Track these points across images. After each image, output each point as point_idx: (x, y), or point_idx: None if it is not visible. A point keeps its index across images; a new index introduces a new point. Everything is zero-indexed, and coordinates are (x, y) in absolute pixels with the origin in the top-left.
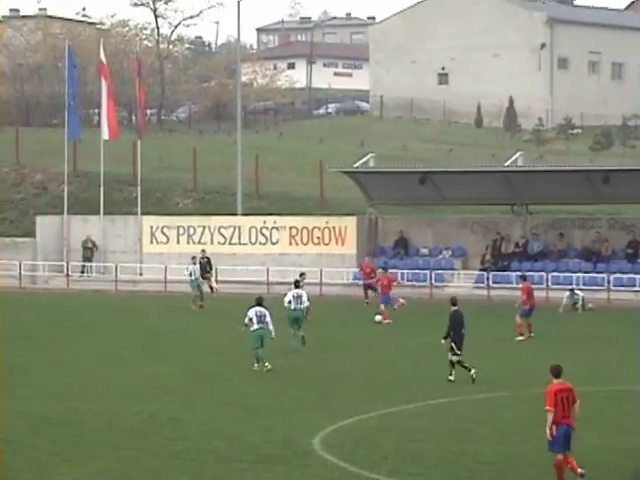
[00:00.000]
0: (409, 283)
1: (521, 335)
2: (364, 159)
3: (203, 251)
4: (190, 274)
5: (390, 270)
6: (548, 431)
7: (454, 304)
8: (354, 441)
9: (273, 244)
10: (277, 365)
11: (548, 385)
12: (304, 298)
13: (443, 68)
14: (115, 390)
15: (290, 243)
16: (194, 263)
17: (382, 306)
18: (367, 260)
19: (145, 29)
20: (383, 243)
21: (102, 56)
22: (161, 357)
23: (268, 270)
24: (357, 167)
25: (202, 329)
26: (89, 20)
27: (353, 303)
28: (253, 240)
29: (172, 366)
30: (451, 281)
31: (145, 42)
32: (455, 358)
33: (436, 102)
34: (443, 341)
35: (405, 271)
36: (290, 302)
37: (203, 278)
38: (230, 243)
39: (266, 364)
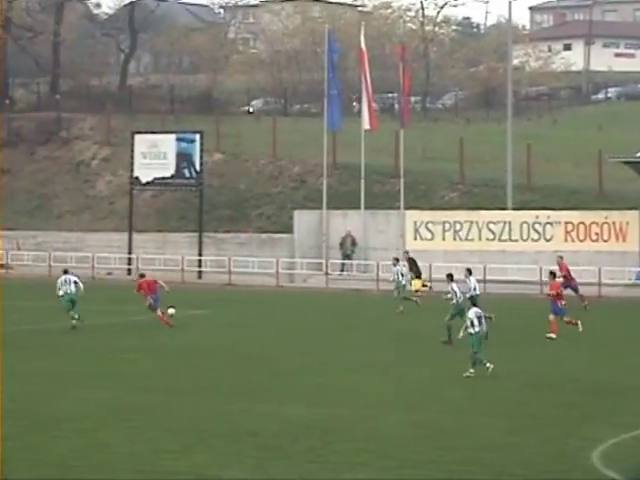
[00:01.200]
0: None
1: None
2: None
3: (407, 252)
4: (398, 275)
5: None
6: None
7: None
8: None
9: (546, 241)
10: (547, 372)
11: None
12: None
13: None
14: (377, 397)
15: (565, 239)
16: (394, 265)
17: (551, 317)
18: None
19: (409, 10)
20: None
21: (362, 42)
22: (423, 361)
23: (541, 269)
24: None
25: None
26: (350, 2)
27: (636, 305)
28: (524, 236)
29: (435, 371)
30: None
31: (409, 24)
32: None
33: None
34: None
35: None
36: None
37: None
38: (500, 239)
39: (487, 364)
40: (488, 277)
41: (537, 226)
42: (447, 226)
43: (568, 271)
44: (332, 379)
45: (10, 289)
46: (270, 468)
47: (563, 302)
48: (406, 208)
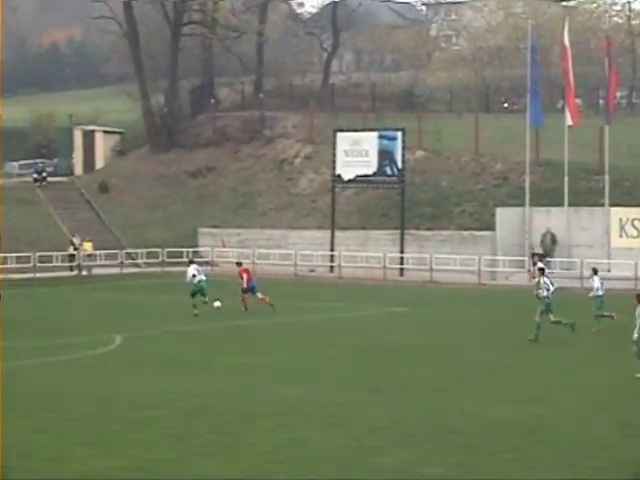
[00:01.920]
0: None
1: None
2: None
3: (531, 249)
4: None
5: None
6: None
7: None
8: None
9: None
10: None
11: None
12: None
13: None
14: (586, 396)
15: None
16: (534, 263)
17: None
18: None
19: (615, 4)
20: None
21: (565, 37)
22: (619, 360)
23: None
24: None
25: None
26: None
27: None
28: None
29: (633, 370)
30: None
31: (615, 19)
32: None
33: None
34: None
35: None
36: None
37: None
38: None
39: None
40: None
41: None
42: None
43: None
44: (534, 377)
45: (212, 285)
46: (473, 466)
47: None
48: (611, 205)
